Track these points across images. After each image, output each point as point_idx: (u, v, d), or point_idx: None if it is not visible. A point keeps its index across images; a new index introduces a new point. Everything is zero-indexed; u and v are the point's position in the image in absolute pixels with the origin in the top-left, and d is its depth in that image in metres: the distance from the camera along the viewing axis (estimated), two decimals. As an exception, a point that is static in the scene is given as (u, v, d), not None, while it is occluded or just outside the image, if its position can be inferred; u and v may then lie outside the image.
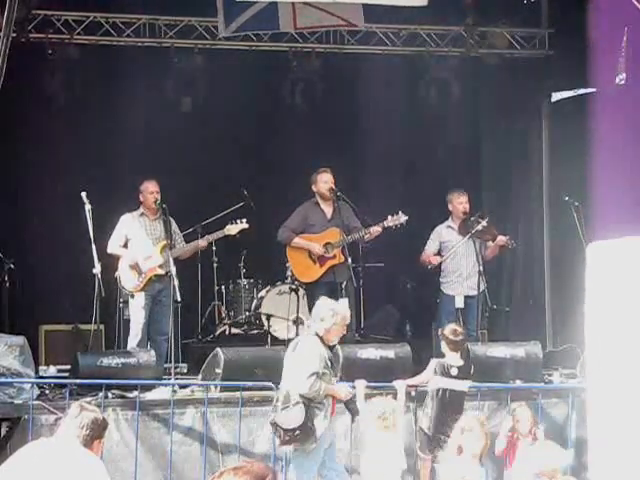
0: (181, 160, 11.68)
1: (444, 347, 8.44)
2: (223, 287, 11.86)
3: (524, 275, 12.56)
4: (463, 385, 8.42)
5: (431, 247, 10.64)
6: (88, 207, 9.53)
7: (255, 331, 11.61)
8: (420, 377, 8.56)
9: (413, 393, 8.41)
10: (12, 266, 10.84)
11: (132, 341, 9.82)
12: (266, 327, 11.27)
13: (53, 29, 11.24)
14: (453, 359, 8.45)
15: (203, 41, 11.75)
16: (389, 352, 9.29)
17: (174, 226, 10.07)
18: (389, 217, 10.13)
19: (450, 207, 10.69)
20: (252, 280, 11.85)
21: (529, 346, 9.60)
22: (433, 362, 8.54)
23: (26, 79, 10.88)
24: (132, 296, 9.86)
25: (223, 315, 11.84)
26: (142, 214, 10.06)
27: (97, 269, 9.61)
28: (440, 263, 10.55)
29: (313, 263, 10.28)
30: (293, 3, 11.07)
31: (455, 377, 8.39)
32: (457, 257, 10.52)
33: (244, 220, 10.15)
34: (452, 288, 10.56)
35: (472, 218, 10.45)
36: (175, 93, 11.73)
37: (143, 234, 9.98)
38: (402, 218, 10.10)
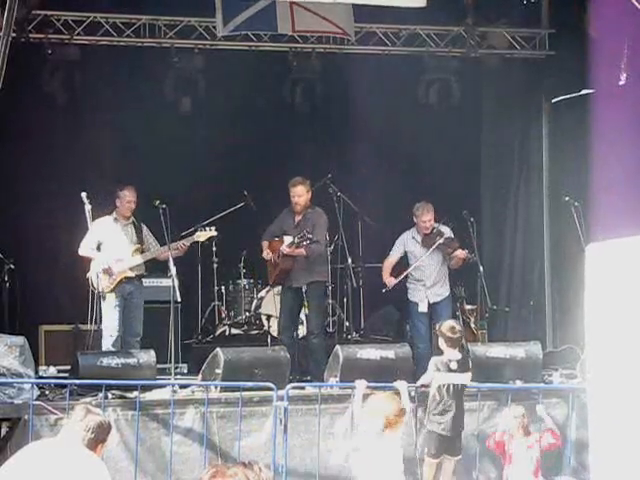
0: (181, 160, 11.66)
1: (442, 344, 8.46)
2: (223, 287, 11.87)
3: (524, 275, 12.55)
4: (464, 378, 8.41)
5: (396, 253, 10.69)
6: (88, 207, 9.55)
7: (255, 331, 11.62)
8: (425, 377, 8.55)
9: (413, 393, 8.40)
10: (12, 266, 10.85)
11: (107, 341, 9.80)
12: (266, 327, 11.28)
13: (53, 29, 11.23)
14: (451, 354, 8.47)
15: (203, 41, 11.74)
16: (389, 352, 9.29)
17: (146, 231, 10.12)
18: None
19: (415, 219, 10.68)
20: (252, 280, 11.87)
21: (529, 346, 9.60)
22: (433, 360, 8.56)
23: (26, 79, 10.87)
24: (104, 298, 9.83)
25: (223, 315, 11.85)
26: (115, 219, 10.10)
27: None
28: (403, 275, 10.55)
29: (272, 267, 10.44)
30: (291, 5, 11.10)
31: (455, 371, 8.39)
32: (421, 268, 10.55)
33: (213, 228, 10.24)
34: (414, 295, 10.61)
35: (434, 231, 10.50)
36: (175, 93, 11.72)
37: (116, 238, 10.02)
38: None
